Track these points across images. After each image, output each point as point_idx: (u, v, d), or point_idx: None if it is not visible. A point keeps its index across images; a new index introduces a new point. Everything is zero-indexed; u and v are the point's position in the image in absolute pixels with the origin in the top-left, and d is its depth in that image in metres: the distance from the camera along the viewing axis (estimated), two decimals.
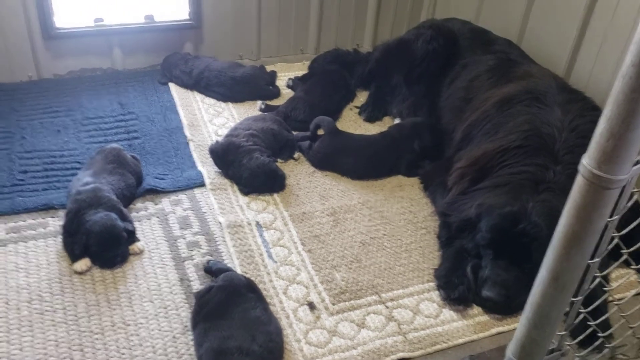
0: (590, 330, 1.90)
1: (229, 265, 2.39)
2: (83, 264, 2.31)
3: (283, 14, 3.94)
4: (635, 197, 1.51)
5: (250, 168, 2.78)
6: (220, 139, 3.00)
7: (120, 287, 2.27)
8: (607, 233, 1.51)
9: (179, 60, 3.64)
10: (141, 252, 2.43)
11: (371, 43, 4.23)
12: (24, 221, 2.53)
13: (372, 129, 3.40)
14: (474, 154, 2.63)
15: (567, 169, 2.34)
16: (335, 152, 3.03)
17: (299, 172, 3.01)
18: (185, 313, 2.18)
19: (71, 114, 3.27)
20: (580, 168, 1.33)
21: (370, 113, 3.52)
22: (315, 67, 3.88)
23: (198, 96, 3.56)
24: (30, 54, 3.45)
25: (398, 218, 2.76)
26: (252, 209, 2.72)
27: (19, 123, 3.15)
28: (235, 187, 2.84)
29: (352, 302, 2.31)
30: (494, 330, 2.26)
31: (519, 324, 1.71)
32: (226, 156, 2.86)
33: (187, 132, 3.21)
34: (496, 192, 2.39)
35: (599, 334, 1.91)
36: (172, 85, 3.62)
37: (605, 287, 1.77)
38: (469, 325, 2.27)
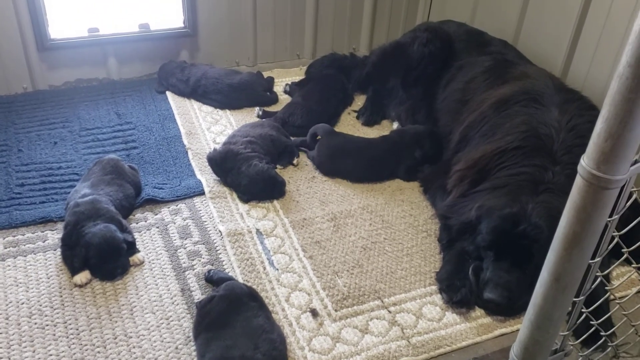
0: (592, 329, 1.90)
1: (230, 274, 2.39)
2: (83, 276, 2.30)
3: (278, 19, 3.94)
4: (634, 197, 1.51)
5: (249, 175, 2.77)
6: (218, 146, 3.00)
7: (121, 299, 2.26)
8: (607, 233, 1.51)
9: (175, 68, 3.64)
10: (142, 263, 2.42)
11: (367, 47, 4.24)
12: (22, 235, 2.52)
13: (371, 133, 3.40)
14: (472, 156, 2.63)
15: (566, 169, 2.33)
16: (335, 153, 3.03)
17: (298, 178, 3.00)
18: (187, 324, 2.17)
19: (68, 125, 3.27)
20: (579, 169, 1.33)
21: (369, 117, 3.52)
22: (312, 72, 3.89)
23: (195, 104, 3.56)
24: (25, 65, 3.45)
25: (399, 222, 2.76)
26: (252, 217, 2.72)
27: (15, 135, 3.14)
28: (235, 195, 2.84)
29: (354, 307, 2.30)
30: (497, 332, 2.26)
31: (521, 326, 1.71)
32: (224, 164, 2.86)
33: (185, 141, 3.21)
34: (496, 194, 2.39)
35: (602, 333, 1.91)
36: (169, 94, 3.62)
37: (606, 286, 1.77)
38: (472, 328, 2.26)
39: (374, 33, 4.26)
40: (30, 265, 2.38)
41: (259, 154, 2.89)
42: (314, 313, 2.26)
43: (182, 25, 3.74)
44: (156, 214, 2.70)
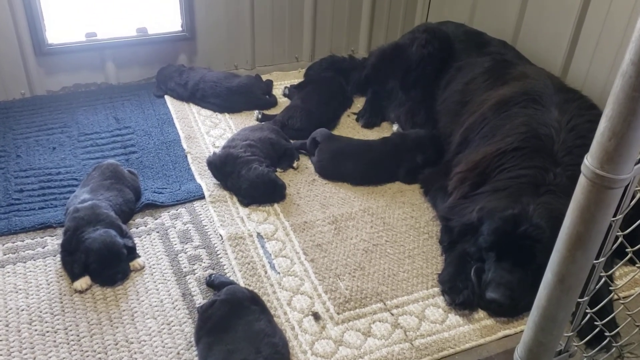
0: (597, 330, 1.89)
1: (231, 278, 2.37)
2: (83, 282, 2.29)
3: (277, 22, 3.94)
4: (638, 196, 1.50)
5: (249, 179, 2.76)
6: (217, 150, 2.99)
7: (122, 304, 2.25)
8: (611, 232, 1.50)
9: (174, 72, 3.64)
10: (142, 268, 2.41)
11: (366, 49, 4.24)
12: (21, 241, 2.51)
13: (371, 135, 3.39)
14: (472, 158, 2.62)
15: (567, 170, 2.32)
16: (335, 157, 3.02)
17: (298, 181, 2.99)
18: (188, 328, 2.16)
19: (67, 131, 3.25)
20: (583, 168, 1.32)
21: (368, 119, 3.52)
22: (311, 75, 3.89)
23: (194, 108, 3.55)
24: (23, 70, 3.44)
25: (400, 224, 2.75)
26: (252, 220, 2.71)
27: (13, 141, 3.13)
28: (235, 199, 2.83)
29: (357, 310, 2.29)
30: (500, 334, 2.24)
31: (525, 327, 1.70)
32: (224, 168, 2.85)
33: (184, 145, 3.20)
34: (497, 196, 2.38)
35: (606, 334, 1.90)
36: (167, 98, 3.61)
37: (610, 286, 1.76)
38: (476, 330, 2.25)
39: (373, 35, 4.26)
40: (30, 271, 2.37)
41: (259, 158, 2.88)
42: (316, 316, 2.25)
43: (180, 29, 3.73)
44: (156, 219, 2.68)
